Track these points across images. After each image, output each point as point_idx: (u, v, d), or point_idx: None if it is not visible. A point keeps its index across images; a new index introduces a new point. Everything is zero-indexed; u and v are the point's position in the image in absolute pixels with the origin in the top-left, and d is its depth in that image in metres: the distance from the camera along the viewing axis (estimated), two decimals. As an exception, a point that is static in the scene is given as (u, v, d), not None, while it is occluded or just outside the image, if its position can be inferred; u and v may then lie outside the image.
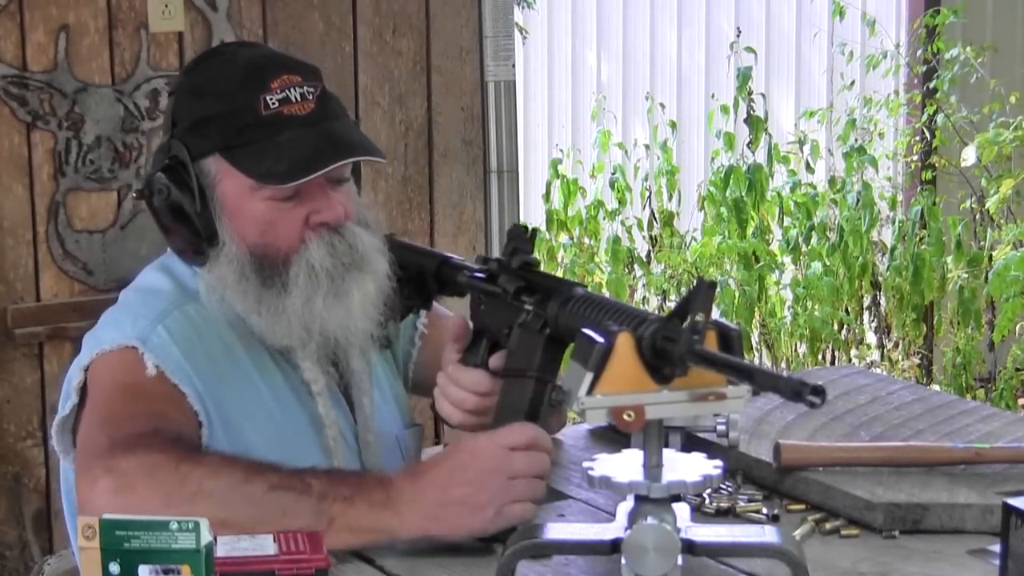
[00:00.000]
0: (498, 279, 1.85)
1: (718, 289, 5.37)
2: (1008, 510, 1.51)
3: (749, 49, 6.32)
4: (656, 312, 1.55)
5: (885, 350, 5.99)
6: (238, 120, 1.87)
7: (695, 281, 1.46)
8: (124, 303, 1.96)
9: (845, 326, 5.93)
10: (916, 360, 5.87)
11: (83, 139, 3.16)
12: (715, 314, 1.50)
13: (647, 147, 6.87)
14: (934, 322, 5.80)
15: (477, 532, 1.66)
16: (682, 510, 1.58)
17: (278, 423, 1.92)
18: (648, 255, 6.46)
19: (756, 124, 6.04)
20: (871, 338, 6.05)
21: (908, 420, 2.03)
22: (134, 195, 3.11)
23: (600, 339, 1.47)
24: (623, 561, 1.51)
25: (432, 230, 3.58)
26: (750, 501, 1.83)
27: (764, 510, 1.80)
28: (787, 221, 6.03)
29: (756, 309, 5.80)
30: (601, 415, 1.47)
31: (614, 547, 1.52)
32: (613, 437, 2.08)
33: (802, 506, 1.82)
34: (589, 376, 1.46)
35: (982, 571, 1.62)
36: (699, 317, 1.42)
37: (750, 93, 6.05)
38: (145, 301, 1.93)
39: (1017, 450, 1.87)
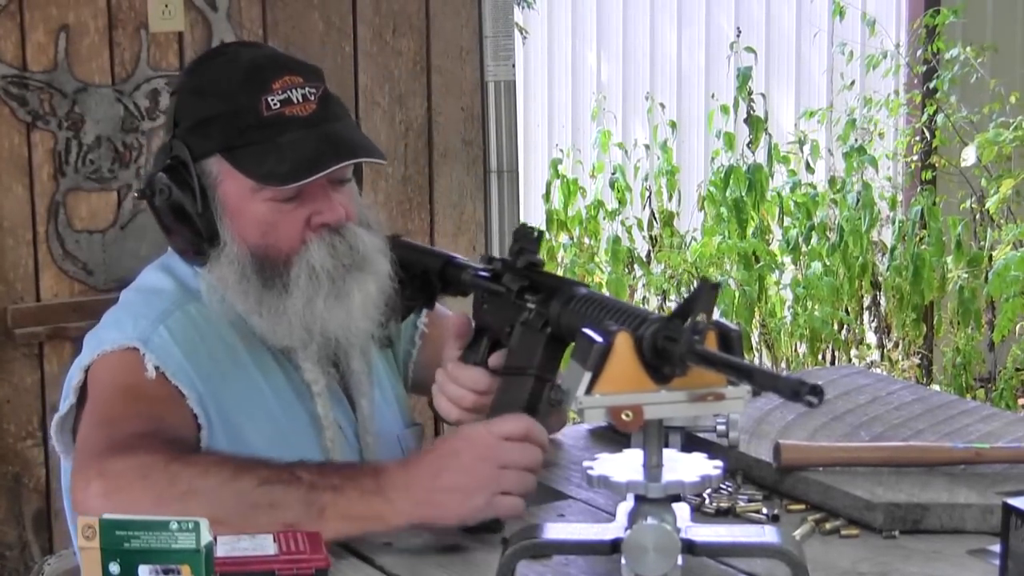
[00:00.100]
0: (502, 278, 1.85)
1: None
2: (1008, 510, 1.51)
3: (749, 49, 6.32)
4: (657, 312, 1.55)
5: (885, 350, 5.99)
6: (240, 121, 1.87)
7: (698, 281, 1.46)
8: (125, 303, 1.96)
9: (845, 326, 5.93)
10: (916, 360, 5.87)
11: (83, 139, 3.16)
12: (715, 314, 1.49)
13: (647, 147, 6.87)
14: (934, 322, 5.80)
15: (466, 519, 1.66)
16: (682, 510, 1.58)
17: (279, 423, 1.92)
18: (648, 255, 6.46)
19: (756, 124, 6.04)
20: (871, 338, 6.06)
21: (908, 420, 2.03)
22: (135, 195, 3.11)
23: (599, 339, 1.47)
24: (623, 561, 1.51)
25: (432, 230, 3.58)
26: (750, 501, 1.83)
27: (764, 510, 1.80)
28: (787, 221, 6.03)
29: (756, 309, 5.80)
30: (599, 415, 1.47)
31: (614, 547, 1.52)
32: (613, 437, 2.08)
33: (802, 506, 1.82)
34: (588, 376, 1.46)
35: (982, 571, 1.62)
36: (701, 317, 1.42)
37: (750, 93, 6.05)
38: (146, 301, 1.93)
39: (1017, 450, 1.87)
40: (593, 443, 2.12)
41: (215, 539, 1.47)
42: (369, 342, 1.99)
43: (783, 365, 5.85)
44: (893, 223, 5.95)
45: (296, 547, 1.57)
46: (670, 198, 6.50)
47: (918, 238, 5.62)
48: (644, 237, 6.54)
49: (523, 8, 6.71)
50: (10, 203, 3.11)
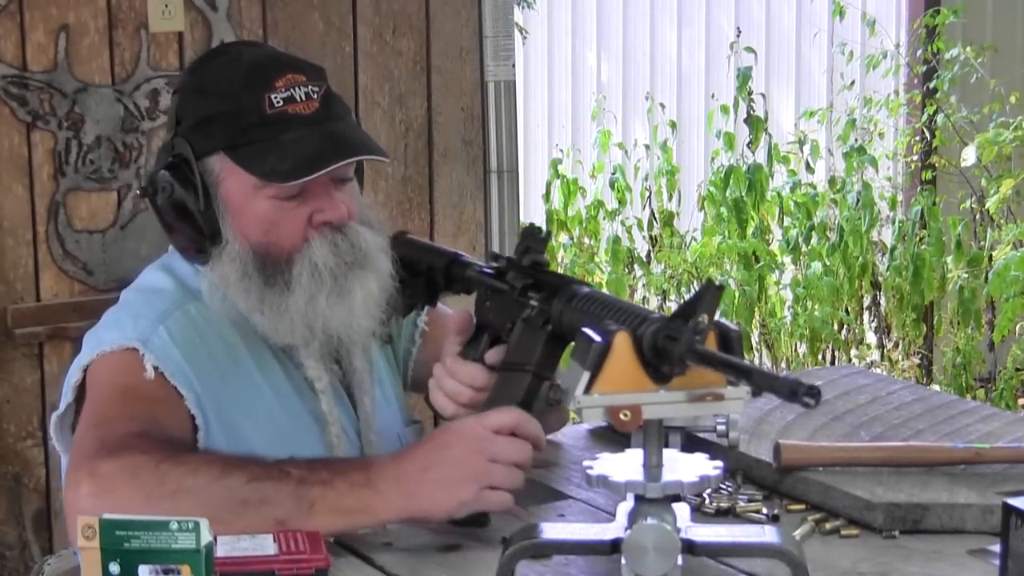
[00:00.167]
0: (506, 276, 1.85)
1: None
2: (1008, 510, 1.51)
3: (749, 49, 6.32)
4: (659, 312, 1.55)
5: (885, 350, 5.99)
6: (242, 119, 1.87)
7: (703, 282, 1.46)
8: (125, 303, 1.96)
9: (845, 326, 5.93)
10: (916, 360, 5.87)
11: (83, 139, 3.16)
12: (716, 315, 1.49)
13: (647, 147, 6.87)
14: (934, 322, 5.80)
15: (454, 512, 1.67)
16: (682, 510, 1.58)
17: (280, 422, 1.92)
18: (648, 255, 6.46)
19: (756, 124, 6.04)
20: (871, 338, 6.06)
21: (908, 420, 2.03)
22: (137, 192, 3.11)
23: (598, 338, 1.47)
24: (623, 561, 1.51)
25: (432, 230, 3.58)
26: (750, 501, 1.83)
27: (764, 510, 1.80)
28: (787, 221, 6.03)
29: (756, 309, 5.80)
30: (598, 414, 1.47)
31: (614, 547, 1.52)
32: (613, 437, 2.08)
33: (802, 506, 1.82)
34: (586, 375, 1.46)
35: (982, 571, 1.62)
36: (702, 318, 1.42)
37: (750, 93, 6.05)
38: (146, 301, 1.93)
39: (1017, 450, 1.87)
40: (593, 443, 2.12)
41: (215, 539, 1.47)
42: (371, 340, 1.99)
43: (783, 365, 5.85)
44: (893, 223, 5.95)
45: (296, 547, 1.57)
46: (670, 198, 6.50)
47: (918, 238, 5.62)
48: (644, 237, 6.54)
49: (523, 8, 6.71)
50: (10, 203, 3.11)
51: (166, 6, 3.22)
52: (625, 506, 1.57)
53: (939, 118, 5.83)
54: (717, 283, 1.46)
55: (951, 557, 1.65)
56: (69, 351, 3.07)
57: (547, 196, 6.71)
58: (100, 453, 1.69)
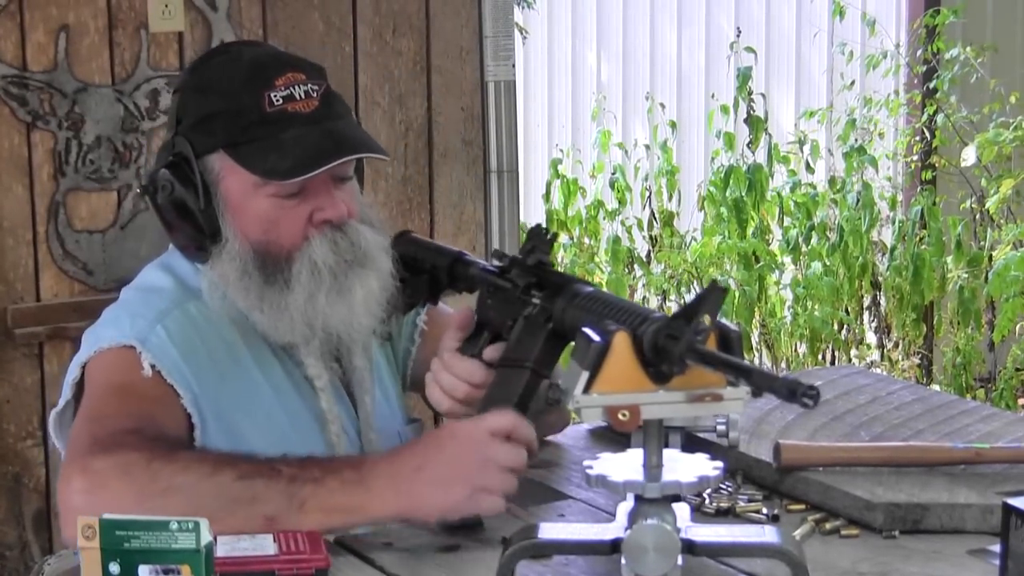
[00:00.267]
0: (510, 274, 1.86)
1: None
2: (1008, 510, 1.51)
3: (749, 49, 6.32)
4: (660, 312, 1.55)
5: (885, 350, 5.99)
6: (242, 117, 1.87)
7: (707, 283, 1.46)
8: (125, 301, 1.97)
9: (845, 326, 5.93)
10: (916, 360, 5.87)
11: (83, 139, 3.16)
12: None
13: (647, 147, 6.87)
14: (934, 322, 5.80)
15: (446, 513, 1.67)
16: (682, 510, 1.58)
17: (280, 420, 1.92)
18: (648, 255, 6.46)
19: (756, 124, 6.04)
20: (871, 338, 6.05)
21: (908, 420, 2.03)
22: (138, 191, 3.11)
23: (597, 338, 1.47)
24: (623, 561, 1.51)
25: (432, 230, 3.58)
26: (750, 501, 1.83)
27: (764, 510, 1.80)
28: (787, 221, 6.03)
29: (756, 309, 5.80)
30: (597, 414, 1.47)
31: (614, 547, 1.53)
32: (613, 437, 2.08)
33: (802, 506, 1.82)
34: (585, 375, 1.46)
35: (982, 571, 1.62)
36: (704, 318, 1.42)
37: (750, 93, 6.05)
38: (145, 300, 1.93)
39: (1017, 450, 1.87)
40: (593, 443, 2.12)
41: (215, 539, 1.47)
42: (371, 339, 1.99)
43: (783, 365, 5.85)
44: (893, 223, 5.95)
45: (296, 547, 1.57)
46: (670, 198, 6.50)
47: (918, 238, 5.62)
48: (644, 237, 6.54)
49: (523, 8, 6.71)
50: (10, 203, 3.11)
51: (166, 6, 3.22)
52: (625, 506, 1.57)
53: (939, 118, 5.83)
54: (721, 286, 1.46)
55: (951, 557, 1.65)
56: (69, 351, 3.06)
57: (547, 196, 6.71)
58: (93, 449, 1.70)
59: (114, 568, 1.40)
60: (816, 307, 5.70)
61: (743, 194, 5.87)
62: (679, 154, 6.81)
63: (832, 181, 6.14)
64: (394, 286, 1.94)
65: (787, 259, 5.95)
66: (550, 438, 2.14)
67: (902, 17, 6.51)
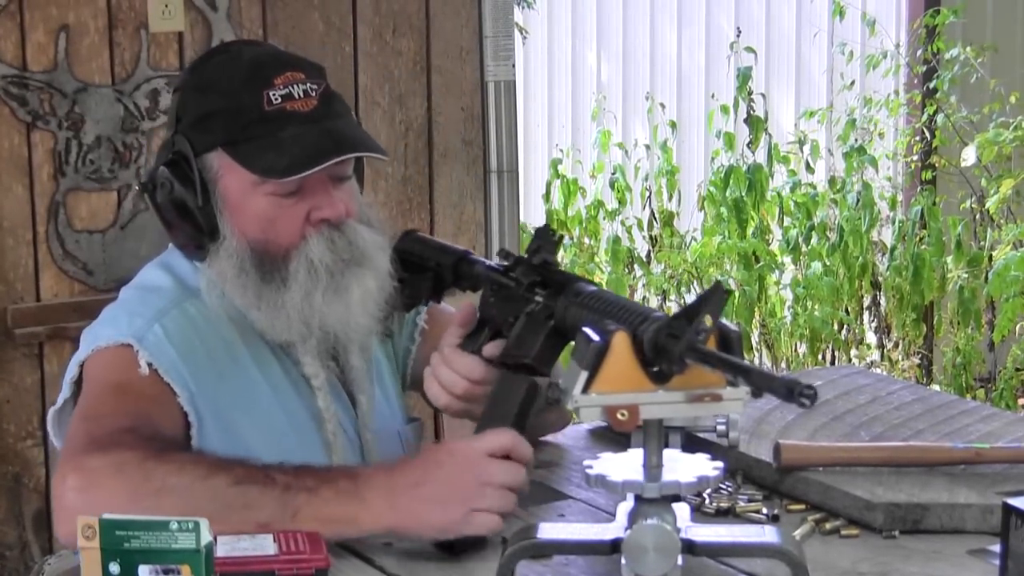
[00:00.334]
0: (514, 272, 1.86)
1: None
2: (1008, 510, 1.51)
3: (749, 49, 6.32)
4: (662, 312, 1.55)
5: (885, 350, 5.99)
6: (241, 116, 1.88)
7: (710, 284, 1.46)
8: (123, 300, 1.97)
9: (845, 326, 5.93)
10: (916, 360, 5.87)
11: (83, 139, 3.16)
12: (715, 316, 1.49)
13: (647, 147, 6.87)
14: (934, 322, 5.80)
15: (441, 531, 1.66)
16: (682, 510, 1.58)
17: (277, 418, 1.92)
18: (648, 255, 6.46)
19: (756, 124, 6.04)
20: (871, 338, 6.05)
21: (908, 420, 2.03)
22: (137, 188, 3.12)
23: (596, 338, 1.47)
24: (623, 561, 1.51)
25: (432, 230, 3.58)
26: (750, 501, 1.83)
27: (764, 510, 1.80)
28: (787, 221, 6.03)
29: (756, 309, 5.80)
30: (596, 414, 1.47)
31: (614, 547, 1.53)
32: (614, 437, 2.08)
33: (802, 506, 1.82)
34: (584, 375, 1.46)
35: (982, 571, 1.62)
36: (707, 319, 1.42)
37: (750, 93, 6.05)
38: (143, 299, 1.94)
39: (1017, 450, 1.87)
40: (593, 443, 2.12)
41: (215, 539, 1.47)
42: (369, 339, 1.99)
43: (783, 365, 5.85)
44: (893, 223, 5.95)
45: (296, 547, 1.57)
46: (670, 198, 6.50)
47: (918, 238, 5.62)
48: (644, 237, 6.54)
49: (523, 8, 6.71)
50: (10, 203, 3.10)
51: (166, 6, 3.22)
52: (625, 506, 1.57)
53: (939, 118, 5.82)
54: (724, 287, 1.46)
55: (951, 557, 1.65)
56: (69, 351, 3.06)
57: (547, 196, 6.71)
58: (88, 448, 1.70)
59: (114, 568, 1.40)
60: (816, 307, 5.70)
61: (743, 194, 5.87)
62: (679, 154, 6.81)
63: (832, 181, 6.14)
64: (392, 286, 1.94)
65: (787, 259, 5.95)
66: (550, 438, 2.14)
67: (902, 17, 6.51)
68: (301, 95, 1.88)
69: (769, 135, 6.13)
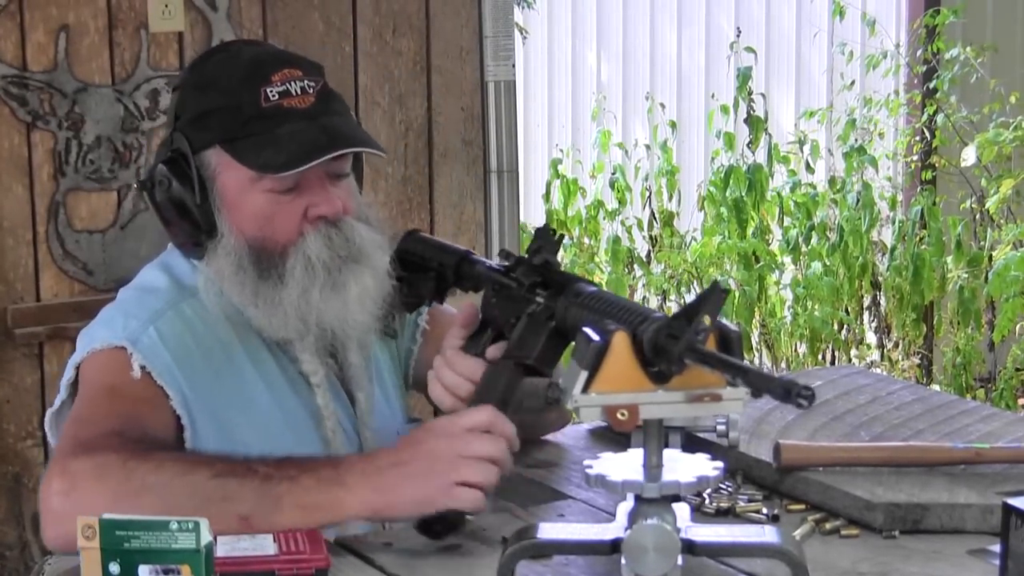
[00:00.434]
0: (515, 272, 1.86)
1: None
2: (1008, 510, 1.51)
3: (749, 49, 6.32)
4: (661, 312, 1.55)
5: (885, 350, 5.99)
6: (239, 113, 1.88)
7: (709, 284, 1.46)
8: (120, 301, 1.97)
9: (845, 326, 5.93)
10: (916, 360, 5.87)
11: (83, 139, 3.16)
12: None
13: (647, 147, 6.87)
14: (934, 322, 5.80)
15: (424, 505, 1.66)
16: (682, 510, 1.58)
17: (275, 417, 1.92)
18: (648, 255, 6.46)
19: (756, 124, 6.04)
20: (871, 338, 6.05)
21: (908, 420, 2.03)
22: (136, 186, 3.12)
23: (596, 338, 1.48)
24: (623, 561, 1.51)
25: (432, 230, 3.58)
26: (750, 501, 1.83)
27: (764, 510, 1.80)
28: (787, 221, 6.03)
29: (756, 309, 5.80)
30: (595, 414, 1.47)
31: (614, 547, 1.53)
32: (614, 437, 2.08)
33: (802, 506, 1.82)
34: (584, 374, 1.46)
35: (982, 571, 1.62)
36: (705, 319, 1.42)
37: (750, 93, 6.05)
38: (140, 300, 1.94)
39: (1017, 450, 1.87)
40: (593, 443, 2.12)
41: (215, 539, 1.47)
42: (367, 337, 1.99)
43: (783, 365, 5.85)
44: (893, 223, 5.95)
45: (296, 547, 1.57)
46: (670, 198, 6.50)
47: (918, 238, 5.62)
48: (644, 237, 6.54)
49: (523, 8, 6.71)
50: (10, 203, 3.10)
51: (166, 6, 3.22)
52: (625, 506, 1.57)
53: (939, 118, 5.82)
54: (724, 287, 1.46)
55: (951, 557, 1.65)
56: (69, 351, 3.04)
57: (547, 196, 6.71)
58: (75, 451, 1.70)
59: (114, 568, 1.40)
60: (816, 307, 5.70)
61: (743, 194, 5.87)
62: (679, 154, 6.81)
63: (832, 181, 6.14)
64: (391, 284, 1.94)
65: (787, 259, 5.95)
66: (550, 438, 2.14)
67: (902, 17, 6.51)
68: (298, 92, 1.89)
69: (769, 135, 6.13)
